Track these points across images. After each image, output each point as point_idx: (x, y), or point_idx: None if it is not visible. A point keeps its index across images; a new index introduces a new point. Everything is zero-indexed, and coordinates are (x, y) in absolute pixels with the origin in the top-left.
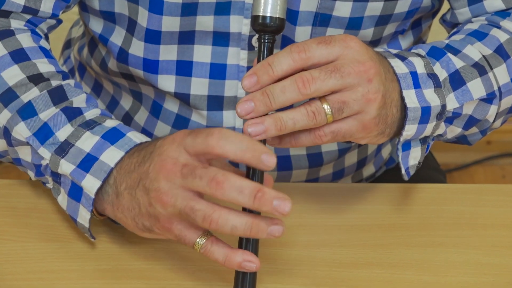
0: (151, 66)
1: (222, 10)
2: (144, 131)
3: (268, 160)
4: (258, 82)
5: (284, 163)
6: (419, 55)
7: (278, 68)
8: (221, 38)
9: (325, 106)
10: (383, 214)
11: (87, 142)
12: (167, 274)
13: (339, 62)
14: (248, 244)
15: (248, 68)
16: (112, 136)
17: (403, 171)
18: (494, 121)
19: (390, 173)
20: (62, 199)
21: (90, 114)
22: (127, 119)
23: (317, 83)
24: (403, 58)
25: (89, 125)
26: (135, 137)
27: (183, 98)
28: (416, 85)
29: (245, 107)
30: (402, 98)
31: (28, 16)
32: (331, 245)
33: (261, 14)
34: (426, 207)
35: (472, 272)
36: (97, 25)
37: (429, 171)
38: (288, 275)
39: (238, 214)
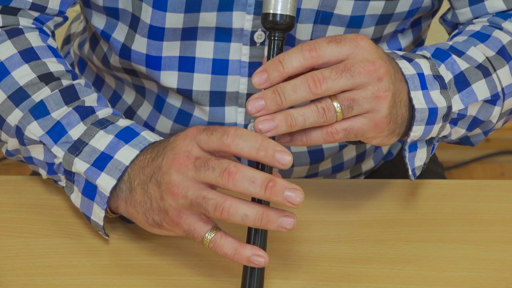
0: (154, 62)
1: (225, 6)
2: (146, 125)
3: (282, 158)
4: (268, 79)
5: None
6: (424, 56)
7: (288, 65)
8: (223, 34)
9: (335, 104)
10: (382, 210)
11: (101, 141)
12: (167, 269)
13: (350, 61)
14: (256, 239)
15: (250, 63)
16: (126, 135)
17: (410, 172)
18: (497, 122)
19: (388, 165)
20: (76, 197)
21: (103, 113)
22: (130, 113)
23: (328, 82)
24: (409, 60)
25: (102, 124)
26: (149, 136)
27: (186, 94)
28: (423, 86)
29: (255, 105)
30: (409, 99)
31: (35, 14)
32: (331, 241)
33: (271, 12)
34: (425, 202)
35: (471, 267)
36: (99, 21)
37: (428, 163)
38: (287, 271)
39: (249, 203)
